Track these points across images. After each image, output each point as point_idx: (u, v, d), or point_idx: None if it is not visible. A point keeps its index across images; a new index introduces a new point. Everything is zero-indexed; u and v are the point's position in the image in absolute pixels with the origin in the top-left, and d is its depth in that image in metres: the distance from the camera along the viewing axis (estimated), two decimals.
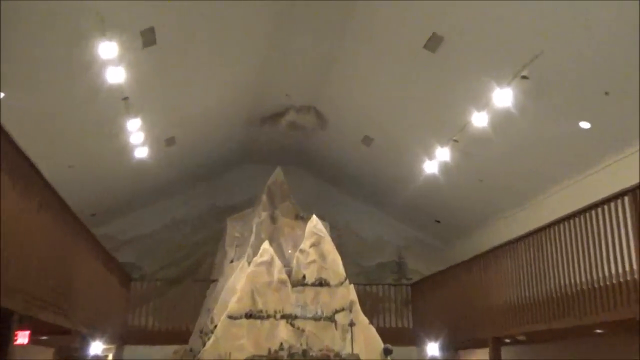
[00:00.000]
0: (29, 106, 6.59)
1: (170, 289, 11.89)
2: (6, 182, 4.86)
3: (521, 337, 7.94)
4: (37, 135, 6.90)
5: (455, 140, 8.73)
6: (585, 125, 7.19)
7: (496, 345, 8.47)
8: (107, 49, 6.31)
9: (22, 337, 5.63)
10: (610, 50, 5.98)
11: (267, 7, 7.66)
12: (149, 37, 6.84)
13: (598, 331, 6.60)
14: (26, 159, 5.30)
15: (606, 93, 6.47)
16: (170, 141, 10.05)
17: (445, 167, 9.56)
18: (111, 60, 6.56)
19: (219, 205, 13.13)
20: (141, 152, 9.21)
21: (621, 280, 5.65)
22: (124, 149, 8.91)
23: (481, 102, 7.61)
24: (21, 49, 5.85)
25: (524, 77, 6.73)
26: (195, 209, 13.03)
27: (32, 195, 5.50)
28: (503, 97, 7.15)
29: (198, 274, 12.42)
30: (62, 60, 6.30)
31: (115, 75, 6.84)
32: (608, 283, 5.87)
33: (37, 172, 5.59)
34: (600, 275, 6.00)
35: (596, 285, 6.06)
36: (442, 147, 9.14)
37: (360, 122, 10.41)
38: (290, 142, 12.21)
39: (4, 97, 6.10)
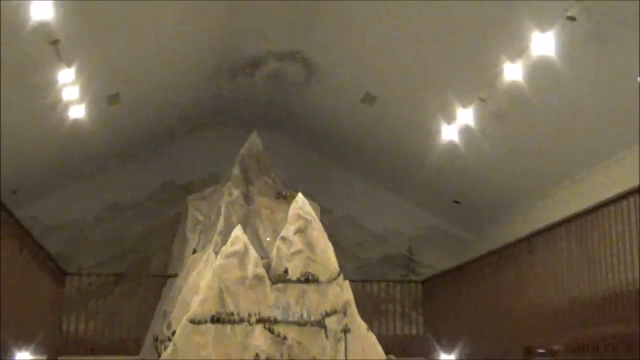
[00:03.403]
0: None
1: (115, 286, 12.02)
2: None
3: (558, 347, 8.17)
4: None
5: (481, 99, 8.81)
6: None
7: (528, 358, 8.71)
8: None
9: None
10: None
11: None
12: None
13: None
14: None
15: None
16: (113, 98, 10.10)
17: (468, 133, 9.66)
18: None
19: (177, 182, 13.24)
20: (76, 112, 9.23)
21: None
22: (54, 108, 8.92)
23: (516, 48, 7.65)
24: None
25: (570, 19, 6.75)
26: (145, 186, 13.15)
27: None
28: (544, 42, 7.15)
29: (150, 268, 12.58)
30: None
31: (42, 11, 6.82)
32: None
33: None
34: None
35: None
36: (464, 107, 9.24)
37: (360, 75, 10.53)
38: (270, 100, 12.28)
39: None
